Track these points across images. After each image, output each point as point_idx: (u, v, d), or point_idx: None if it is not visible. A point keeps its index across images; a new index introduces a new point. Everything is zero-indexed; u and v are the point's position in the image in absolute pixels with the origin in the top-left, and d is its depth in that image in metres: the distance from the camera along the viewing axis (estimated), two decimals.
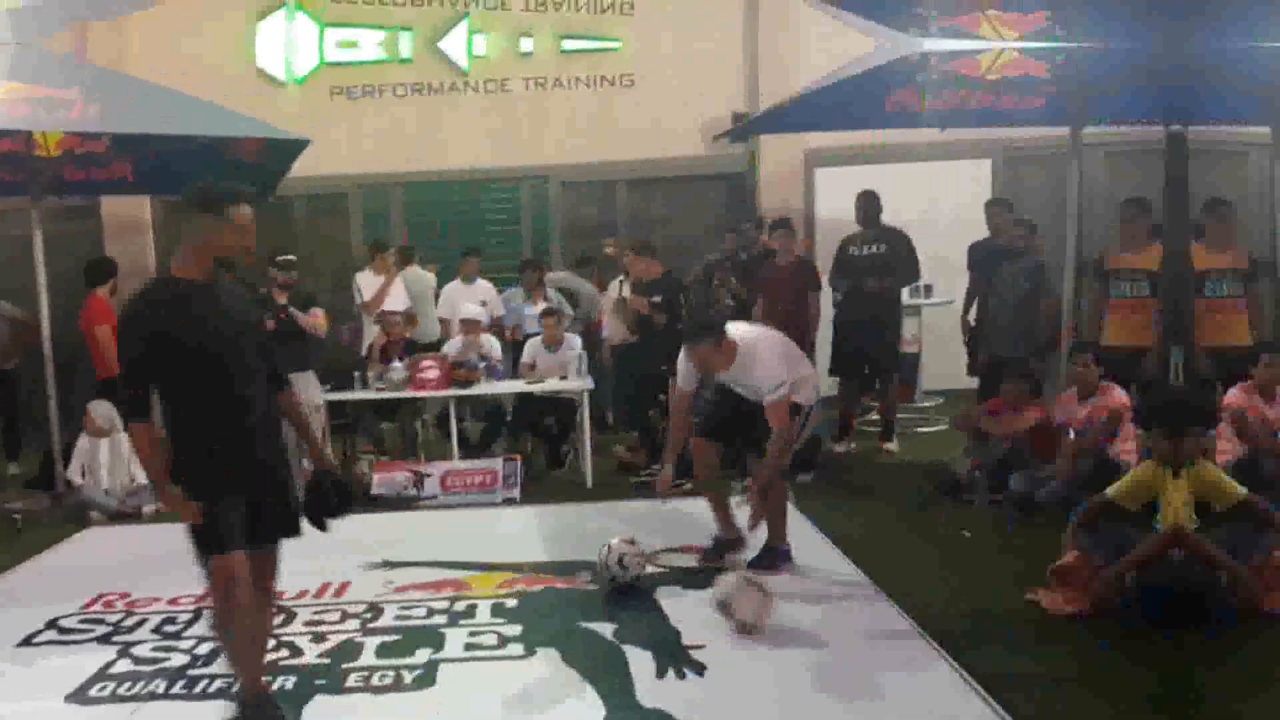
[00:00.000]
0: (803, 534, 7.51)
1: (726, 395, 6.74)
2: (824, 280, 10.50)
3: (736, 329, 6.68)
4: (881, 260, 10.15)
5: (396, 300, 10.91)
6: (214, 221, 4.39)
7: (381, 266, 11.17)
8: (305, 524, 4.81)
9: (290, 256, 9.30)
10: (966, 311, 10.28)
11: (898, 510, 8.29)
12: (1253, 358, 7.85)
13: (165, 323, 4.34)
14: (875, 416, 11.22)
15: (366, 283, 11.18)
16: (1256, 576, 5.71)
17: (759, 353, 6.47)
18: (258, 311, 5.02)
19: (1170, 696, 4.93)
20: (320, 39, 12.90)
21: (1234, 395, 7.76)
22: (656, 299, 10.46)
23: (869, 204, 10.27)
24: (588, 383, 9.69)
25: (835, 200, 11.98)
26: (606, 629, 5.84)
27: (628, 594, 6.38)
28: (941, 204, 12.27)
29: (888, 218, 10.34)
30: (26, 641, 6.07)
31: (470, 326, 10.25)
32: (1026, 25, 7.74)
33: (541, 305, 10.59)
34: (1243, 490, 5.94)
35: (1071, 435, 7.95)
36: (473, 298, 11.17)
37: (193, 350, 4.37)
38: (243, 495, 4.48)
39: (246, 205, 4.45)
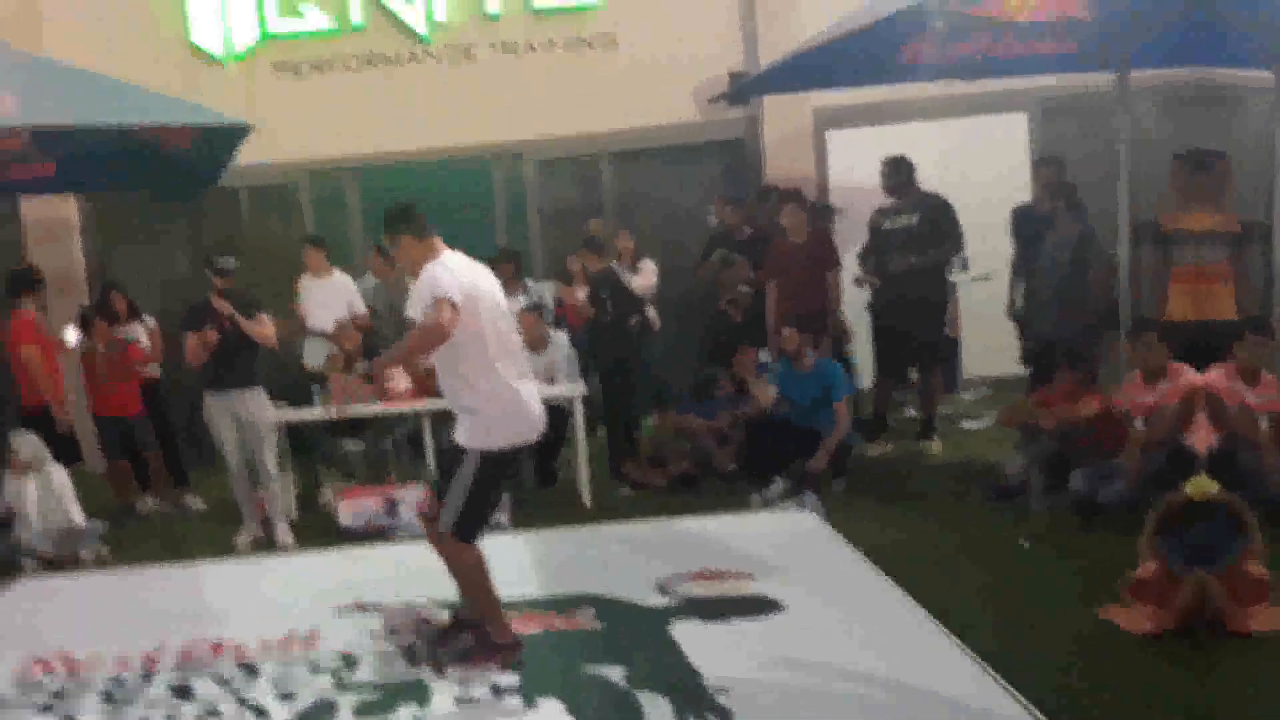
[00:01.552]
0: (834, 551, 7.54)
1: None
2: (847, 256, 10.47)
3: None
4: (915, 233, 10.06)
5: (337, 305, 10.86)
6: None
7: (316, 266, 11.13)
8: None
9: (229, 259, 9.11)
10: (1014, 289, 10.18)
11: (942, 519, 8.20)
12: (1235, 334, 7.84)
13: None
14: (913, 413, 11.16)
15: (306, 288, 11.13)
16: (1226, 589, 5.71)
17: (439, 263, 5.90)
18: None
19: None
20: (260, 8, 12.64)
21: (1212, 377, 7.70)
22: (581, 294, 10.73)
23: (898, 170, 10.16)
24: (579, 387, 9.54)
25: (850, 165, 11.92)
26: (616, 672, 5.77)
27: (635, 632, 6.35)
28: (975, 165, 12.10)
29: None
30: None
31: None
32: None
33: (520, 300, 10.46)
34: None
35: (1139, 425, 7.87)
36: None
37: None
38: None
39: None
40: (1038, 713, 4.92)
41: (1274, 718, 4.93)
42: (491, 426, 5.85)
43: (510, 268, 10.85)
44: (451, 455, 6.06)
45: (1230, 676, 5.26)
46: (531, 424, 6.00)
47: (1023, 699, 5.06)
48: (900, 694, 5.27)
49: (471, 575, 5.99)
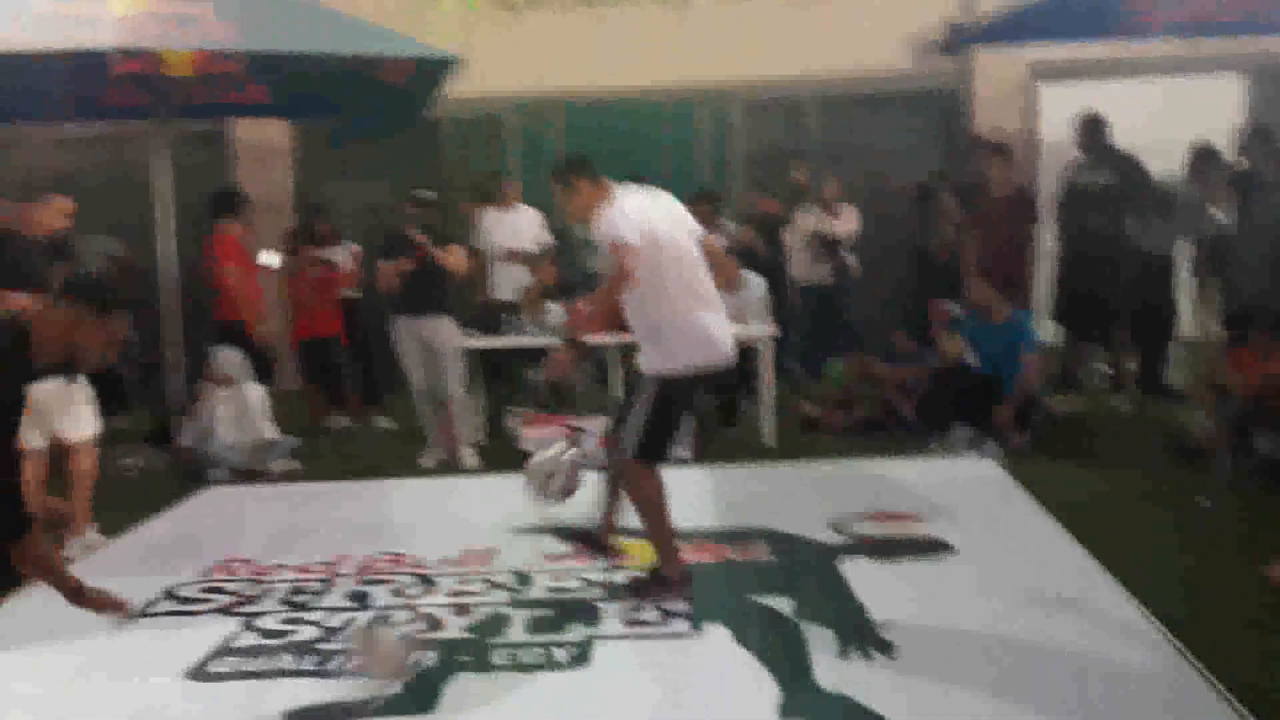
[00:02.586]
0: (1013, 500, 7.54)
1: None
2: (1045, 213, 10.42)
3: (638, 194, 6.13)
4: (1112, 191, 9.94)
5: (525, 238, 11.14)
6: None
7: (510, 199, 11.44)
8: None
9: (430, 193, 9.45)
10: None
11: (1125, 476, 8.12)
12: None
13: None
14: (1104, 368, 11.13)
15: (492, 220, 11.41)
16: None
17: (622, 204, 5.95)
18: None
19: None
20: None
21: None
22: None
23: (1092, 130, 10.09)
24: (769, 328, 9.61)
25: (1062, 121, 11.77)
26: (783, 604, 5.85)
27: (804, 566, 6.44)
28: (1184, 126, 11.77)
29: (1121, 141, 10.12)
30: (142, 612, 6.11)
31: None
32: None
33: (717, 240, 10.53)
34: None
35: None
36: None
37: None
38: None
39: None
40: (1211, 677, 4.83)
41: None
42: (670, 353, 5.93)
43: (707, 208, 10.92)
44: (635, 382, 6.19)
45: None
46: (714, 350, 6.04)
47: (1198, 664, 4.96)
48: (1064, 648, 5.25)
49: (650, 503, 6.05)
